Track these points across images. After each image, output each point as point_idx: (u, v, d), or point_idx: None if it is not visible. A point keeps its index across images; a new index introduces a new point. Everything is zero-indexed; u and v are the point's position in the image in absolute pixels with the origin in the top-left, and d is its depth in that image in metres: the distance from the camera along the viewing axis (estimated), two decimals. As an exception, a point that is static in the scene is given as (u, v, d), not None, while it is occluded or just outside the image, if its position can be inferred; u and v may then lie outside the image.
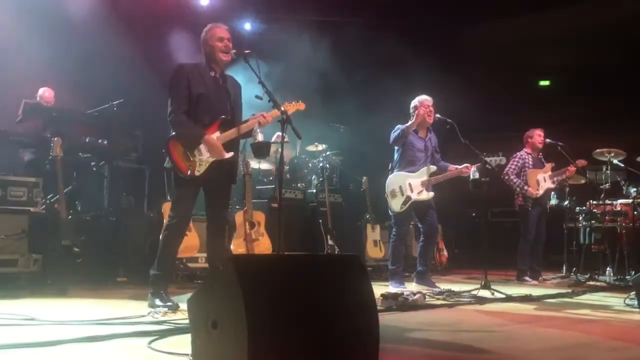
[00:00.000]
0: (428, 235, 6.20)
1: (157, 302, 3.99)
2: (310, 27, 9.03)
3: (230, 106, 4.23)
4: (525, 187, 7.15)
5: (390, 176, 6.17)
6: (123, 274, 5.61)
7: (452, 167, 6.10)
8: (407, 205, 6.01)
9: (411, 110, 6.20)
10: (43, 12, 7.40)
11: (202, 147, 4.07)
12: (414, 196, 6.01)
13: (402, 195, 6.02)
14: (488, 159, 5.84)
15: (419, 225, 6.33)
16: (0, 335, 2.96)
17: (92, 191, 6.59)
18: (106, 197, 6.75)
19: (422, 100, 6.12)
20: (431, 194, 6.10)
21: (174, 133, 4.09)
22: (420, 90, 6.34)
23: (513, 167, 7.26)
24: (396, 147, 6.19)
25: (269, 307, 2.24)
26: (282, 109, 4.03)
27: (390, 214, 6.21)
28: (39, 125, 6.05)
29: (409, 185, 6.02)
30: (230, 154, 4.15)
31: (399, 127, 6.06)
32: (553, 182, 7.27)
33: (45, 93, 7.01)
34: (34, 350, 2.70)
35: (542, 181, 7.22)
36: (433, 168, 6.13)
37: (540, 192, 7.16)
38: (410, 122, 5.99)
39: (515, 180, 7.20)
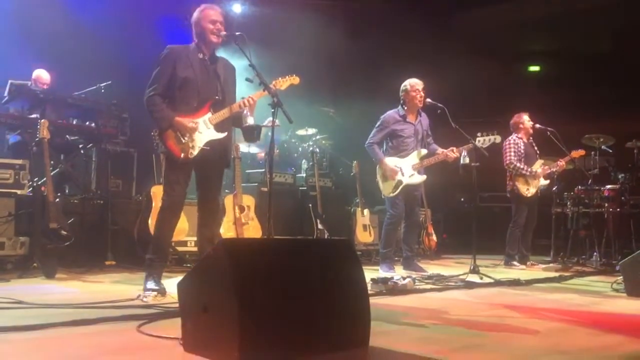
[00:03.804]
0: (410, 224, 6.26)
1: (150, 284, 3.97)
2: (300, 9, 8.94)
3: (221, 88, 4.18)
4: (534, 172, 7.15)
5: None
6: (111, 258, 5.57)
7: (440, 150, 6.11)
8: (399, 189, 6.02)
9: (401, 94, 6.19)
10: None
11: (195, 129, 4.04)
12: (405, 179, 6.01)
13: (394, 179, 6.01)
14: (482, 139, 5.84)
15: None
16: (-13, 318, 2.94)
17: (79, 174, 6.53)
18: (94, 180, 6.69)
19: (412, 84, 6.11)
20: (423, 177, 6.12)
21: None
22: (410, 73, 6.31)
23: (513, 154, 7.17)
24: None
25: (259, 291, 2.23)
26: (273, 90, 4.00)
27: (383, 197, 6.21)
28: (25, 106, 5.96)
29: (400, 169, 6.01)
30: (224, 134, 4.12)
31: (374, 145, 6.09)
32: (545, 178, 7.26)
33: (41, 75, 6.84)
34: (21, 334, 2.67)
35: (532, 179, 7.21)
36: (424, 151, 6.13)
37: (532, 190, 7.16)
38: (382, 158, 6.03)
39: (521, 166, 7.13)
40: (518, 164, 7.14)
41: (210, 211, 4.27)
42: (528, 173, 7.13)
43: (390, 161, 6.05)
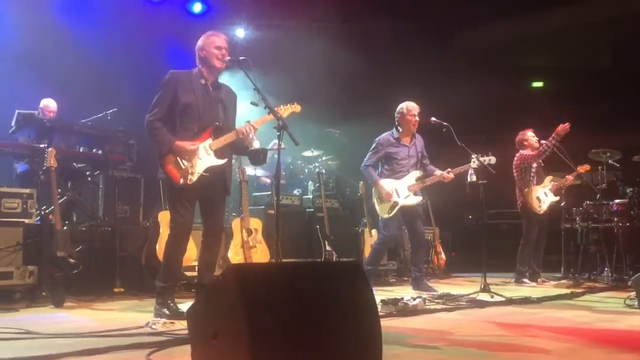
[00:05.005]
0: (416, 244, 6.18)
1: (165, 311, 3.97)
2: (303, 33, 9.02)
3: (222, 114, 4.20)
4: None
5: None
6: (119, 285, 5.55)
7: (437, 171, 6.08)
8: (395, 210, 5.98)
9: (396, 116, 6.18)
10: (36, 21, 7.38)
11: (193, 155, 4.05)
12: (401, 201, 5.97)
13: (389, 200, 5.98)
14: (478, 160, 5.84)
15: (407, 233, 6.35)
16: (-4, 349, 2.92)
17: (87, 201, 6.54)
18: (101, 207, 6.69)
19: (409, 109, 6.09)
20: (419, 198, 6.08)
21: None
22: (415, 92, 6.33)
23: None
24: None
25: (269, 316, 2.21)
26: (278, 114, 4.01)
27: (378, 217, 6.19)
28: (32, 136, 6.00)
29: (395, 190, 5.99)
30: (223, 160, 4.13)
31: (369, 168, 6.11)
32: (555, 194, 7.25)
33: (49, 104, 6.90)
34: (30, 364, 2.65)
35: (544, 196, 7.19)
36: (419, 173, 6.10)
37: (544, 207, 7.13)
38: (378, 180, 6.04)
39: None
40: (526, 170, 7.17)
41: (213, 238, 4.28)
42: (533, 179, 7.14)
43: (386, 182, 6.03)
